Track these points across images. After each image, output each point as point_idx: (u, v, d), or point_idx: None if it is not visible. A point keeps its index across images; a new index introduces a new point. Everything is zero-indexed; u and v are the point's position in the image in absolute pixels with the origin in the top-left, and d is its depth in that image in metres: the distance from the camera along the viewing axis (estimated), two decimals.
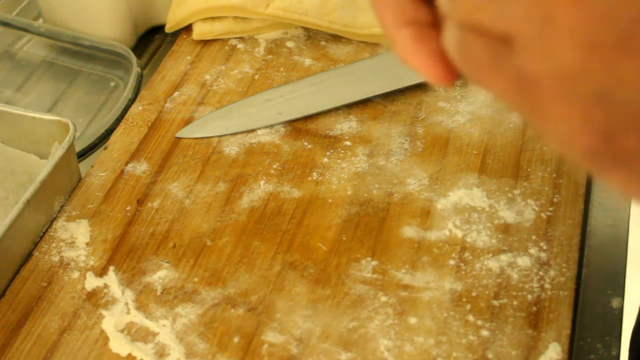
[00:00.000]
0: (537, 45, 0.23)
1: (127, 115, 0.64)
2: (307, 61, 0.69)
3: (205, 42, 0.71)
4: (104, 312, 0.50)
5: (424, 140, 0.61)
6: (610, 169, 0.24)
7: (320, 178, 0.58)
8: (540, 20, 0.22)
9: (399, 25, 0.30)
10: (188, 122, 0.63)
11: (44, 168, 0.53)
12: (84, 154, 0.63)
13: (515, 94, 0.24)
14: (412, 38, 0.30)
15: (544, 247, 0.53)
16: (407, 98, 0.65)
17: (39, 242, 0.54)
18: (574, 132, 0.23)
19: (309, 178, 0.58)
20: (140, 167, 0.59)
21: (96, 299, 0.51)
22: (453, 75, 0.29)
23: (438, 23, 0.29)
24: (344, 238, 0.54)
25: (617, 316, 0.50)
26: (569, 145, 0.24)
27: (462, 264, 0.52)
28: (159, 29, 0.76)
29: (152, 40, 0.76)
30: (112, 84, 0.71)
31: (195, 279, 0.51)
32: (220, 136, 0.62)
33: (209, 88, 0.66)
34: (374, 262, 0.52)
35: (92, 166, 0.60)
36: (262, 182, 0.58)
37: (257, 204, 0.56)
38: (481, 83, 0.26)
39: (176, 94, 0.66)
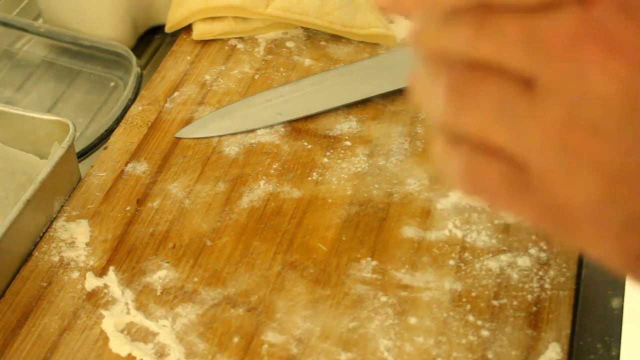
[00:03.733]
0: (559, 175, 0.22)
1: (127, 115, 0.64)
2: (307, 61, 0.69)
3: (205, 42, 0.71)
4: (103, 312, 0.50)
5: (424, 140, 0.61)
6: None
7: (320, 178, 0.58)
8: (559, 149, 0.22)
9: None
10: (188, 122, 0.63)
11: (44, 168, 0.53)
12: (84, 154, 0.63)
13: (542, 218, 0.24)
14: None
15: (544, 247, 0.53)
16: (407, 98, 0.65)
17: (38, 242, 0.54)
18: (609, 252, 0.24)
19: (309, 178, 0.58)
20: (140, 167, 0.59)
21: (96, 299, 0.51)
22: None
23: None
24: (343, 238, 0.54)
25: (617, 316, 0.50)
26: (606, 260, 0.24)
27: (462, 264, 0.52)
28: (159, 29, 0.76)
29: (152, 40, 0.76)
30: (112, 84, 0.71)
31: (195, 279, 0.51)
32: (220, 136, 0.62)
33: (209, 88, 0.66)
34: (374, 262, 0.52)
35: (92, 166, 0.60)
36: (262, 182, 0.58)
37: (257, 204, 0.56)
38: (501, 208, 0.25)
39: (176, 94, 0.66)
